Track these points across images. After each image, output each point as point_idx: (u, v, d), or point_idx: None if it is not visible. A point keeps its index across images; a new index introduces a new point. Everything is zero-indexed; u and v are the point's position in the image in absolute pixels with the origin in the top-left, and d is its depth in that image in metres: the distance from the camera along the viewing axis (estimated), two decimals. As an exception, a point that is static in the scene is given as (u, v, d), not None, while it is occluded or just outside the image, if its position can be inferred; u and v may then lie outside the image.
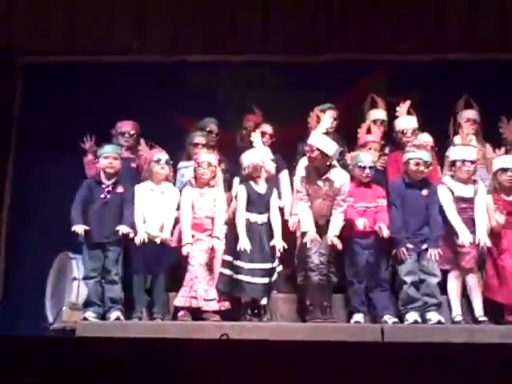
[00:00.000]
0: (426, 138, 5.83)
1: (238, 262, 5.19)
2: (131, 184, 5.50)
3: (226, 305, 5.27)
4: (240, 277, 5.18)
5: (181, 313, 5.25)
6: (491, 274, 5.28)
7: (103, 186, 5.40)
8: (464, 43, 7.01)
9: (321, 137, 5.31)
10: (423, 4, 6.94)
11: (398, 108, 5.94)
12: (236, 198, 5.37)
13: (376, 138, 5.84)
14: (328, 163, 5.29)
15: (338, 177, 5.32)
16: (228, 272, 5.26)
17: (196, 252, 5.31)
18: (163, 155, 5.55)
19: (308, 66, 7.11)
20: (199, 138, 5.97)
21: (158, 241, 5.33)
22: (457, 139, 5.75)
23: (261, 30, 7.14)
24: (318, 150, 5.25)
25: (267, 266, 5.23)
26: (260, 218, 5.31)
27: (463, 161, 5.38)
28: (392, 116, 6.08)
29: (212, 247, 5.29)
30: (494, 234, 5.30)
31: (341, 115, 6.16)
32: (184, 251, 5.25)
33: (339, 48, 7.10)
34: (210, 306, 5.23)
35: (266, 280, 5.21)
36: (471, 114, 6.11)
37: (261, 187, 5.38)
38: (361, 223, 5.22)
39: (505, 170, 5.37)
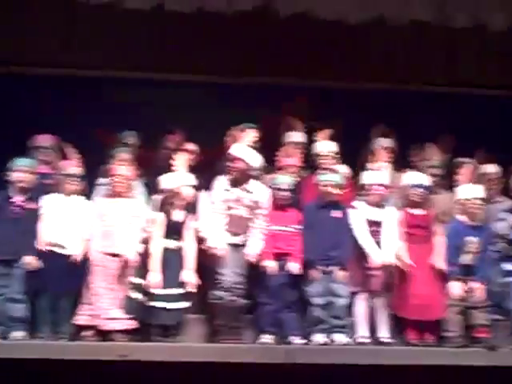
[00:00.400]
0: (343, 170, 5.94)
1: (156, 290, 5.17)
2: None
3: (133, 324, 5.19)
4: (152, 303, 5.15)
5: (88, 333, 5.14)
6: (398, 290, 5.43)
7: (13, 200, 5.28)
8: (384, 73, 7.25)
9: (245, 148, 5.46)
10: (346, 32, 7.12)
11: (317, 133, 6.06)
12: (153, 223, 5.35)
13: (295, 161, 5.95)
14: (249, 175, 5.40)
15: (258, 189, 5.42)
16: (137, 296, 5.20)
17: (100, 268, 5.25)
18: (76, 170, 5.48)
19: (231, 88, 7.21)
20: (123, 155, 5.92)
21: (64, 252, 5.25)
22: (370, 165, 5.90)
23: (185, 49, 7.21)
24: (242, 160, 5.35)
25: (182, 290, 5.23)
26: (175, 244, 5.31)
27: (374, 184, 5.54)
28: (312, 141, 6.20)
29: (121, 266, 5.25)
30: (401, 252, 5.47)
31: (262, 138, 6.25)
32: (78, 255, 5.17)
33: (263, 71, 7.23)
34: (114, 325, 5.14)
35: (181, 305, 5.22)
36: (387, 142, 6.30)
37: (178, 214, 5.37)
38: (271, 265, 5.32)
39: (415, 186, 5.58)
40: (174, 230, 5.31)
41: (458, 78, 7.49)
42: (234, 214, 5.40)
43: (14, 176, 5.33)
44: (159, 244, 5.25)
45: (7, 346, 4.94)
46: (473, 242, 5.43)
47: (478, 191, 5.54)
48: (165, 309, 5.15)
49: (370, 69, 7.38)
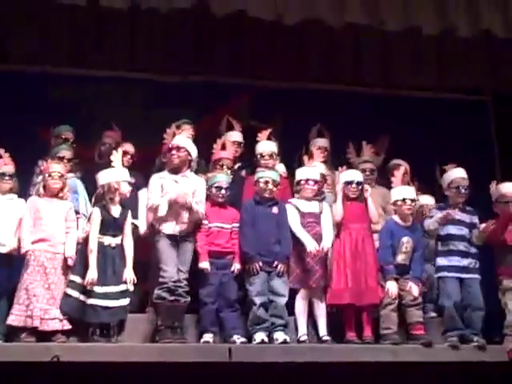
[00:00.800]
0: (281, 169, 6.06)
1: (95, 288, 5.10)
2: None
3: (68, 324, 5.10)
4: (92, 301, 5.08)
5: (23, 334, 5.01)
6: (336, 279, 5.53)
7: None
8: (322, 74, 7.38)
9: (187, 140, 5.59)
10: (287, 33, 7.19)
11: (259, 133, 6.14)
12: (89, 220, 5.30)
13: (229, 155, 6.02)
14: (189, 165, 5.52)
15: (195, 178, 5.52)
16: (75, 294, 5.12)
17: (35, 268, 5.13)
18: (8, 168, 5.41)
19: (176, 86, 7.19)
20: (64, 152, 5.86)
21: (3, 250, 5.16)
22: (305, 163, 5.98)
23: (124, 46, 7.15)
24: (185, 149, 5.47)
25: (121, 288, 5.19)
26: (113, 241, 5.26)
27: (307, 180, 5.68)
28: (254, 140, 6.25)
29: (58, 264, 5.17)
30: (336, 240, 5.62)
31: (203, 136, 6.28)
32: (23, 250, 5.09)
33: (204, 71, 7.24)
34: (50, 325, 5.03)
35: (120, 302, 5.16)
36: (322, 142, 6.45)
37: (115, 210, 5.33)
38: (205, 266, 5.35)
39: (349, 183, 5.73)
40: (112, 227, 5.27)
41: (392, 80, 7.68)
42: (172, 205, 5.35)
43: None
44: (95, 240, 5.19)
45: None
46: (407, 241, 5.57)
47: (410, 192, 5.69)
48: (104, 307, 5.09)
49: (309, 69, 7.50)
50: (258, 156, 6.03)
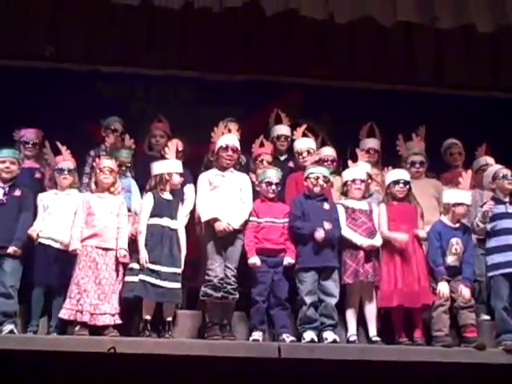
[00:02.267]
0: (327, 152, 6.04)
1: (148, 265, 5.12)
2: (34, 194, 5.39)
3: (119, 319, 5.13)
4: (142, 277, 5.10)
5: (77, 327, 5.07)
6: (386, 281, 5.45)
7: None
8: (373, 73, 7.31)
9: (237, 140, 5.64)
10: (337, 34, 7.16)
11: (294, 132, 6.12)
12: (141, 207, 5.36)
13: (267, 150, 6.02)
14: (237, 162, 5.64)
15: (240, 175, 5.58)
16: (134, 279, 5.16)
17: (86, 263, 5.18)
18: (66, 164, 5.48)
19: (222, 85, 7.21)
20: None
21: (59, 246, 5.23)
22: (350, 164, 5.92)
23: (178, 45, 7.20)
24: (237, 151, 5.54)
25: (175, 270, 5.20)
26: (172, 223, 5.29)
27: (353, 180, 5.63)
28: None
29: (112, 261, 5.21)
30: (385, 243, 5.52)
31: (252, 134, 6.28)
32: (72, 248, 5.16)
33: (254, 69, 7.23)
34: (100, 320, 5.07)
35: (172, 284, 5.16)
36: (371, 142, 6.39)
37: (167, 195, 5.40)
38: (254, 260, 5.33)
39: (396, 182, 5.64)
40: (167, 209, 5.30)
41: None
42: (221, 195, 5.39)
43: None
44: (145, 222, 5.24)
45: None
46: (456, 242, 5.46)
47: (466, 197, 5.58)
48: (155, 285, 5.10)
49: (359, 68, 7.44)
50: (296, 154, 6.01)
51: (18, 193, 5.31)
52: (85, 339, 4.96)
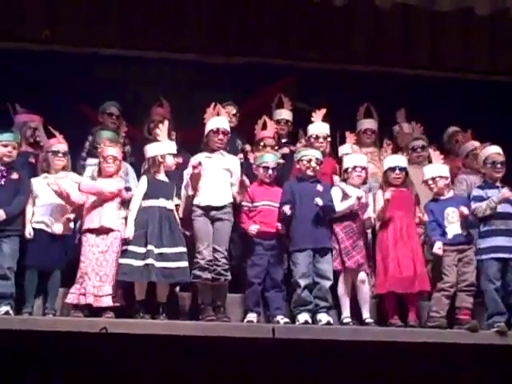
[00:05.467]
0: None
1: (149, 247, 5.12)
2: (28, 177, 5.40)
3: (120, 301, 5.17)
4: (149, 261, 5.09)
5: (72, 310, 5.13)
6: (380, 268, 5.48)
7: None
8: (370, 56, 7.29)
9: (227, 122, 5.61)
10: (334, 16, 7.13)
11: (314, 114, 6.05)
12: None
13: (270, 133, 5.99)
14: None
15: (230, 157, 5.54)
16: (129, 261, 5.13)
17: (88, 247, 5.22)
18: (61, 146, 5.48)
19: (219, 67, 7.19)
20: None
21: (54, 230, 5.25)
22: (345, 148, 5.94)
23: (175, 28, 7.17)
24: (227, 133, 5.53)
25: (179, 250, 5.21)
26: (168, 204, 5.30)
27: (354, 167, 5.62)
28: (301, 120, 6.22)
29: (114, 244, 5.22)
30: (380, 229, 5.56)
31: (248, 117, 6.27)
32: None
33: (251, 52, 7.21)
34: (104, 302, 5.11)
35: (178, 264, 5.17)
36: (368, 123, 6.38)
37: (162, 177, 5.40)
38: (254, 229, 5.35)
39: (392, 169, 5.64)
40: (163, 190, 5.30)
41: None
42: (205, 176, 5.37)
43: (2, 150, 5.31)
44: (137, 202, 5.25)
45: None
46: (453, 211, 5.46)
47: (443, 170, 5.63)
48: (161, 267, 5.10)
49: (356, 51, 7.42)
50: (312, 138, 5.95)
51: (15, 176, 5.31)
52: (79, 320, 5.00)
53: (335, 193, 5.56)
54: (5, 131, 5.41)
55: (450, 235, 5.48)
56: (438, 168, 5.65)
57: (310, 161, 5.54)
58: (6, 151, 5.32)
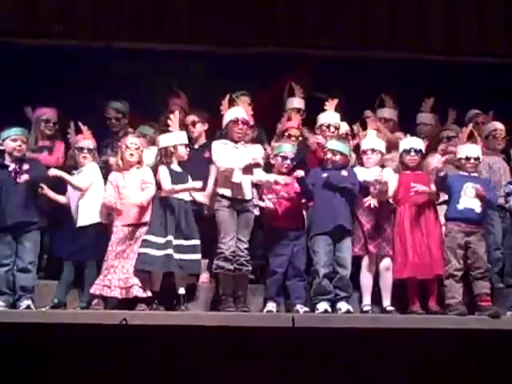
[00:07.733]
0: (344, 127, 6.01)
1: (168, 237, 5.16)
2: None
3: (149, 292, 5.18)
4: (169, 251, 5.13)
5: (94, 301, 5.17)
6: (398, 253, 5.46)
7: (10, 169, 5.33)
8: (385, 42, 7.22)
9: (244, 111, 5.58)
10: (348, 2, 7.08)
11: (326, 103, 6.02)
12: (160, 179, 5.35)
13: (294, 123, 5.98)
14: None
15: (252, 147, 5.56)
16: (148, 251, 5.17)
17: (115, 240, 5.23)
18: (86, 143, 5.52)
19: (233, 58, 7.17)
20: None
21: (84, 223, 5.31)
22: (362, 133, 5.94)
23: (187, 20, 7.16)
24: (248, 123, 5.53)
25: (193, 242, 5.25)
26: (185, 195, 5.32)
27: (372, 150, 5.62)
28: (313, 108, 6.18)
29: (140, 236, 5.24)
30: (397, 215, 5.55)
31: (264, 106, 6.23)
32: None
33: (265, 41, 7.18)
34: (132, 293, 5.13)
35: (191, 256, 5.22)
36: (385, 112, 6.36)
37: (175, 167, 5.41)
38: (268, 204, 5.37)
39: (407, 152, 5.62)
40: (180, 181, 5.31)
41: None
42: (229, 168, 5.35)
43: (12, 145, 5.39)
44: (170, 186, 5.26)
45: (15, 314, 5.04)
46: (472, 186, 5.42)
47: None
48: (176, 259, 5.14)
49: (371, 37, 7.35)
50: (324, 126, 5.92)
51: (26, 166, 5.34)
52: (99, 313, 5.05)
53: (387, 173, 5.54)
54: (13, 126, 5.45)
55: (461, 206, 5.42)
56: (471, 148, 5.59)
57: (334, 154, 5.52)
58: (16, 145, 5.38)
